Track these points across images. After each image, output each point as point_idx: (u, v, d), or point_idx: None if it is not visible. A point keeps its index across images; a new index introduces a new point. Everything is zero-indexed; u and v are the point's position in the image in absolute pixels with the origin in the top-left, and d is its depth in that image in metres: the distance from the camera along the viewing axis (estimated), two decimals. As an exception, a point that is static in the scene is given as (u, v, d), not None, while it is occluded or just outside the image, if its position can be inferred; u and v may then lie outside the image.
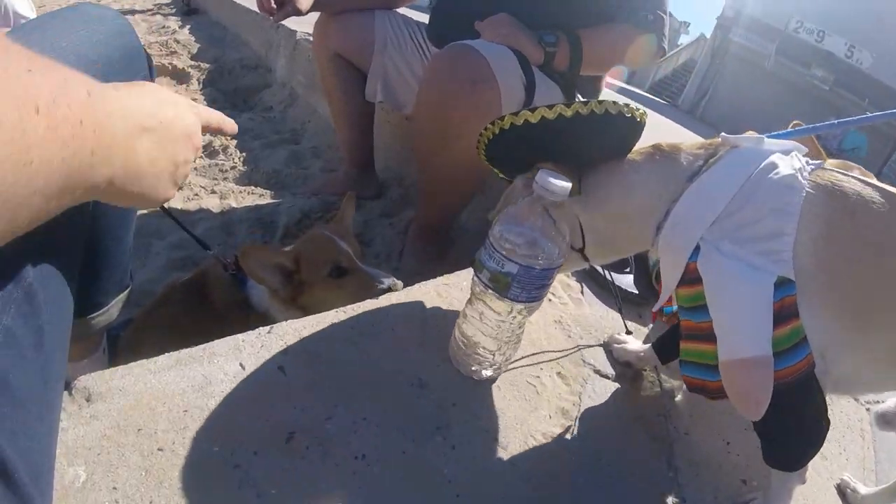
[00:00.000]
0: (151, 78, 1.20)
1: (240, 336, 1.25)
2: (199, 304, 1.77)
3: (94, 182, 0.58)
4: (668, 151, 1.25)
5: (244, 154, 3.45)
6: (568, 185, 1.11)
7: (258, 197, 2.94)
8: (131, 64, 1.08)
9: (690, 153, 1.22)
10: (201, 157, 3.38)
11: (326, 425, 1.11)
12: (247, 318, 1.71)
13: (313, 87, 3.88)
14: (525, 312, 1.24)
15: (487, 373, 1.33)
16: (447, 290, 1.61)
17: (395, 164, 3.17)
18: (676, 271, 1.15)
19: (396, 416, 1.19)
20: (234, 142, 3.58)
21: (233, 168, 3.26)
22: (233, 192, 2.94)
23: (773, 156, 1.14)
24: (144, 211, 2.60)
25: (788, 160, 1.13)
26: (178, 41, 5.72)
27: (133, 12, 7.47)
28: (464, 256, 2.24)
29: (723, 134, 1.23)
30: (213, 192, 2.94)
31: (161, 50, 5.36)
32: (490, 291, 1.19)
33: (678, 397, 1.53)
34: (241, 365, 1.18)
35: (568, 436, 1.30)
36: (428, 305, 1.53)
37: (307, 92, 4.09)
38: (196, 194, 2.89)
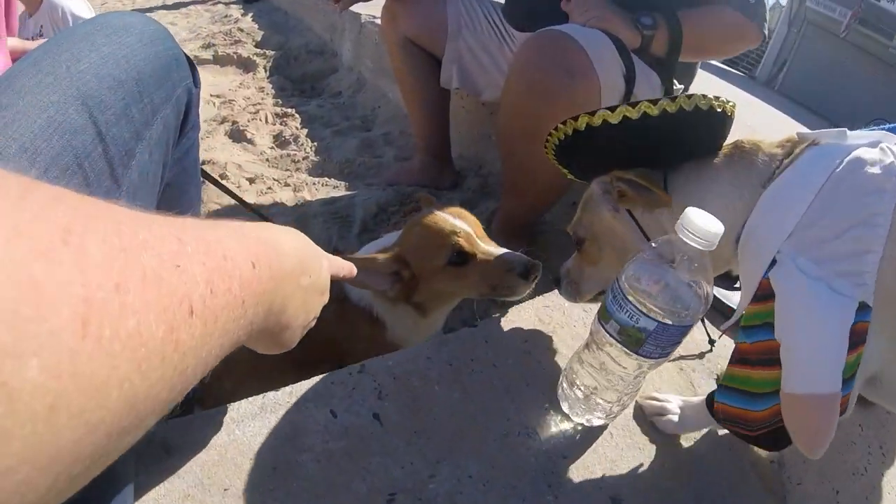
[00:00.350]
0: (196, 85, 1.11)
1: (329, 377, 1.15)
2: None
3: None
4: (748, 151, 1.10)
5: (315, 143, 3.37)
6: (719, 230, 0.93)
7: (332, 188, 2.85)
8: (169, 75, 0.97)
9: (768, 153, 1.07)
10: (272, 147, 3.33)
11: (430, 485, 1.00)
12: (343, 314, 1.49)
13: (382, 72, 3.76)
14: (654, 366, 1.10)
15: (601, 421, 1.20)
16: (548, 314, 1.47)
17: (471, 152, 3.02)
18: (751, 288, 1.01)
19: (504, 471, 1.07)
20: (305, 130, 3.51)
21: (305, 158, 3.17)
22: (306, 183, 2.87)
23: (857, 150, 0.97)
24: (219, 206, 2.58)
25: (877, 154, 0.96)
26: (241, 29, 5.66)
27: (194, 2, 7.51)
28: (552, 254, 2.10)
29: (798, 131, 1.08)
30: (287, 184, 2.87)
31: (225, 39, 5.29)
32: (618, 345, 1.04)
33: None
34: (332, 412, 1.08)
35: (683, 491, 1.17)
36: (528, 332, 1.40)
37: (375, 76, 3.98)
38: (269, 187, 2.82)
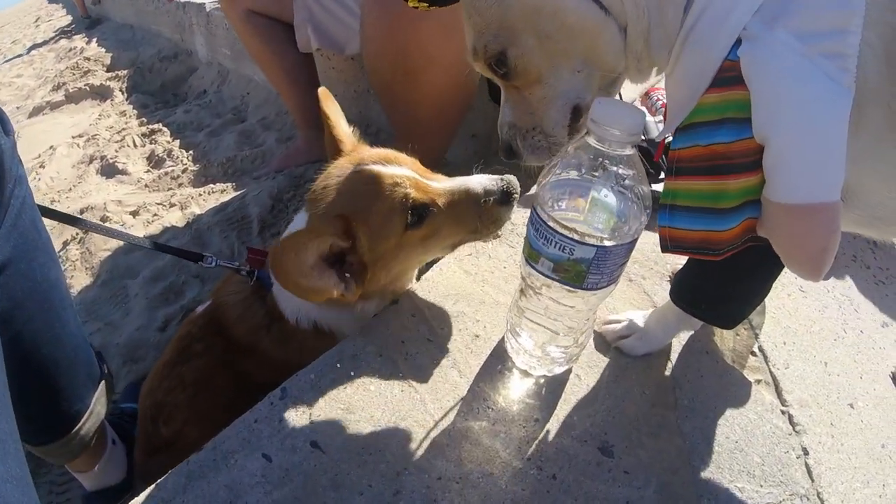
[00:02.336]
0: (7, 133, 1.02)
1: (249, 416, 1.02)
2: (221, 345, 1.24)
3: None
4: None
5: (191, 151, 3.16)
6: (638, 120, 0.76)
7: (220, 193, 2.67)
8: None
9: None
10: (148, 170, 3.11)
11: (399, 502, 0.89)
12: (284, 336, 1.22)
13: (241, 56, 3.56)
14: (606, 294, 0.93)
15: (563, 368, 1.06)
16: (472, 262, 1.33)
17: (354, 112, 2.83)
18: (704, 75, 0.79)
19: (474, 460, 0.96)
20: (178, 141, 3.29)
21: (184, 171, 2.97)
22: (192, 197, 2.68)
23: None
24: (109, 252, 2.42)
25: None
26: (88, 58, 5.38)
27: (37, 46, 7.25)
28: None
29: None
30: (172, 204, 2.67)
31: (74, 74, 5.03)
32: (557, 284, 0.87)
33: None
34: (265, 456, 0.95)
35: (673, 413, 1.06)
36: (458, 290, 1.25)
37: (236, 63, 3.77)
38: (155, 214, 2.63)
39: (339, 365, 1.07)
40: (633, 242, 0.84)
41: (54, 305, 1.05)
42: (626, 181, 0.80)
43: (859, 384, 1.21)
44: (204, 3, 3.95)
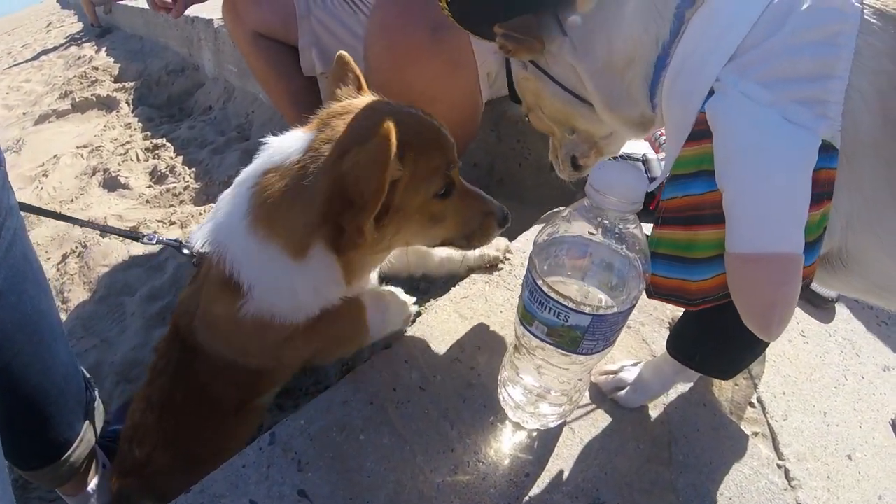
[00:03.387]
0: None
1: (238, 460, 1.00)
2: (178, 358, 1.15)
3: None
4: None
5: (194, 168, 3.15)
6: (639, 185, 0.75)
7: (221, 213, 2.62)
8: None
9: None
10: (150, 185, 3.11)
11: None
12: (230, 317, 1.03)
13: (247, 74, 3.55)
14: (601, 357, 0.91)
15: (557, 422, 1.05)
16: (468, 306, 1.31)
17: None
18: (684, 128, 0.80)
19: None
20: (181, 157, 3.29)
21: (186, 188, 2.96)
22: (192, 216, 2.67)
23: None
24: (107, 267, 2.42)
25: None
26: (96, 68, 5.41)
27: (46, 52, 7.26)
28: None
29: None
30: (173, 222, 2.67)
31: (82, 83, 5.06)
32: (551, 348, 0.86)
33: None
34: (252, 503, 0.93)
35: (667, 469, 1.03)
36: (453, 335, 1.23)
37: (242, 80, 3.77)
38: (155, 231, 2.59)
39: (329, 411, 1.05)
40: (631, 308, 0.82)
41: (44, 337, 1.04)
42: (625, 248, 0.79)
43: (858, 434, 1.20)
44: (212, 20, 3.94)
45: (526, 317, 0.87)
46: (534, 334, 0.86)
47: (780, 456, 1.10)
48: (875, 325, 1.53)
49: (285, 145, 0.96)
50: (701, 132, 0.76)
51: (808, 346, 1.37)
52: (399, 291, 1.23)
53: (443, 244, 1.09)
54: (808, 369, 1.30)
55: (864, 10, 0.72)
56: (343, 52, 1.11)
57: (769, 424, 1.15)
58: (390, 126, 0.80)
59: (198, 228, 1.05)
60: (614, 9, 0.89)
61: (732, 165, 0.74)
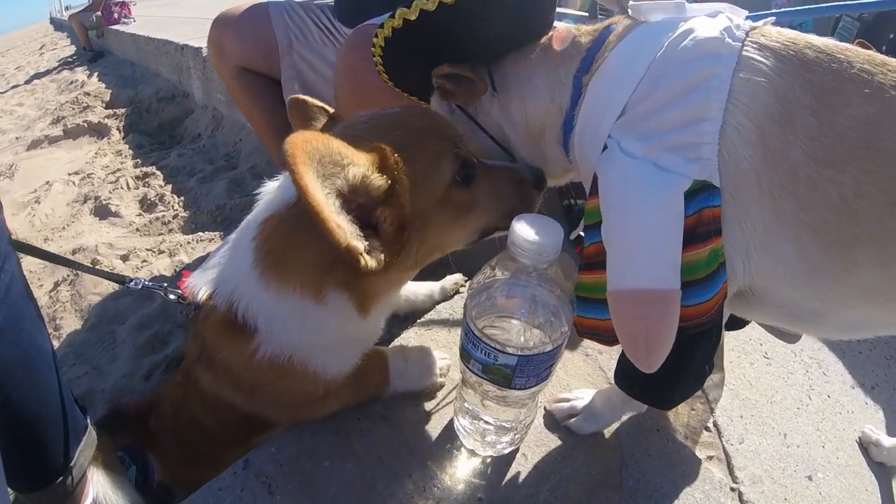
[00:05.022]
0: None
1: (215, 483, 1.06)
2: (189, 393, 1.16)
3: None
4: (562, 36, 0.97)
5: (182, 197, 3.21)
6: (552, 240, 0.81)
7: (208, 242, 2.70)
8: None
9: (583, 38, 0.94)
10: (140, 213, 3.15)
11: None
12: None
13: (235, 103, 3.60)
14: (540, 390, 0.98)
15: (510, 448, 1.10)
16: (429, 334, 1.37)
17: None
18: (588, 182, 0.87)
19: None
20: (170, 186, 3.34)
21: (175, 217, 3.01)
22: (181, 245, 2.71)
23: (692, 20, 0.83)
24: (99, 296, 2.45)
25: (715, 22, 0.82)
26: (88, 93, 5.46)
27: (39, 76, 7.25)
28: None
29: (632, 2, 0.92)
30: (161, 251, 2.70)
31: (74, 108, 5.10)
32: (487, 384, 0.93)
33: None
34: None
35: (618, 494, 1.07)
36: None
37: (230, 109, 3.82)
38: (144, 260, 2.66)
39: (298, 439, 1.11)
40: (558, 349, 0.89)
41: (42, 371, 1.09)
42: (544, 296, 0.87)
43: (821, 454, 1.22)
44: (201, 48, 4.01)
45: (464, 355, 0.94)
46: (472, 371, 0.93)
47: (734, 479, 1.12)
48: (844, 342, 1.55)
49: (281, 189, 0.96)
50: (595, 188, 0.83)
51: (770, 367, 1.40)
52: (429, 350, 1.24)
53: (485, 234, 1.02)
54: (770, 391, 1.33)
55: (746, 48, 0.77)
56: (295, 96, 1.16)
57: (724, 448, 1.18)
58: (291, 147, 0.68)
59: (197, 275, 1.05)
60: (525, 80, 0.98)
61: (606, 213, 0.80)
